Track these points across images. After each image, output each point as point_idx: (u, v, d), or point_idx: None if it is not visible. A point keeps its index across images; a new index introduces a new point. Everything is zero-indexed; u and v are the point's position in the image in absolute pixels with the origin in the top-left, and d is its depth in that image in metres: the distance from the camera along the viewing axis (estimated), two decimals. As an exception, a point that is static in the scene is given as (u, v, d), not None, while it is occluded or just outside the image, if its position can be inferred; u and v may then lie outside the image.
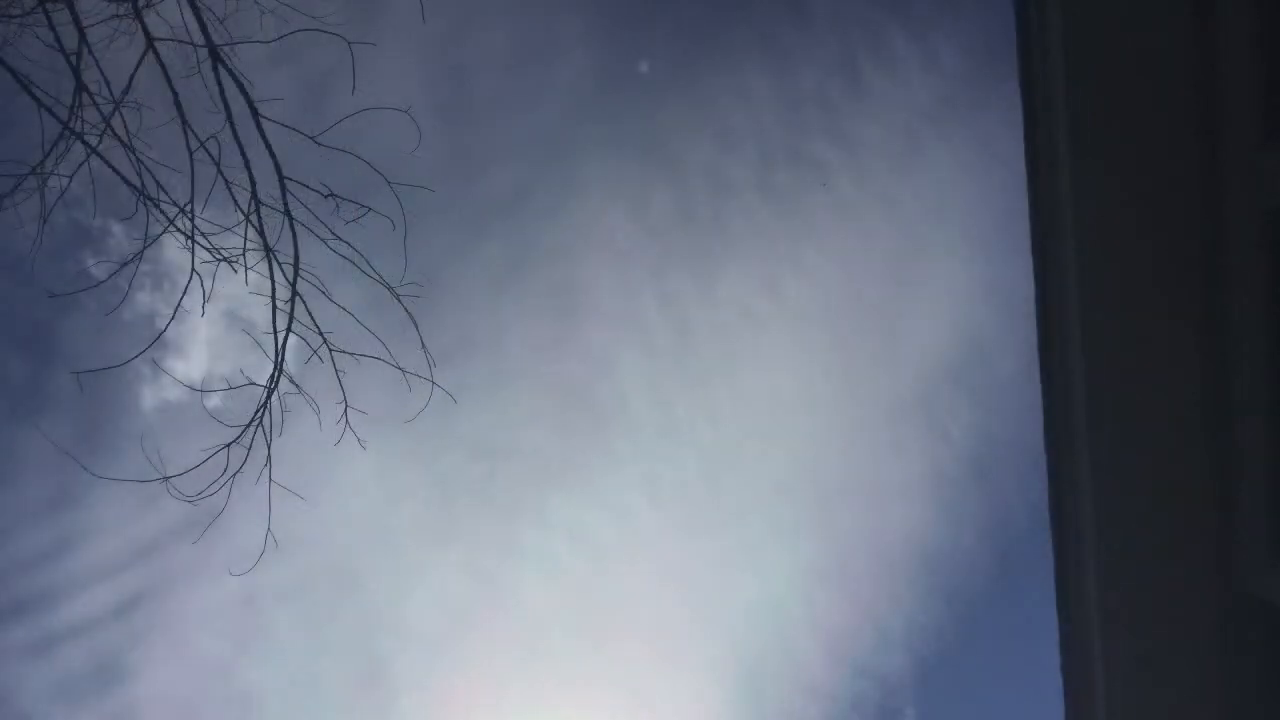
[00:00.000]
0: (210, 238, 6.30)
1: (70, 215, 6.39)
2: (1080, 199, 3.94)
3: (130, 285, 6.19)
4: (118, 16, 5.92)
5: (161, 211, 5.94)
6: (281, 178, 6.35)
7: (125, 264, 6.16)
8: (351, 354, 6.39)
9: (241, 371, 6.53)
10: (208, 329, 7.46)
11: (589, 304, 11.92)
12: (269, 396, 6.45)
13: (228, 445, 6.37)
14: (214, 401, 6.44)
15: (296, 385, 6.29)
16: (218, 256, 6.18)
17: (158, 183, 6.04)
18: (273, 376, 6.40)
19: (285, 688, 11.98)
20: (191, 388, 6.56)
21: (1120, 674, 4.31)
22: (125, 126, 5.99)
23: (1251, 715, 4.17)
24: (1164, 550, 4.21)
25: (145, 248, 6.15)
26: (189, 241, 6.21)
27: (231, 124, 6.05)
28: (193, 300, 6.31)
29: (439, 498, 11.65)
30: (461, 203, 10.06)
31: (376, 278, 6.39)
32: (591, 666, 12.75)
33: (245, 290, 6.35)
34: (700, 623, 12.83)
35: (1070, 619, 4.40)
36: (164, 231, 6.01)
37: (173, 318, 6.24)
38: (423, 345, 6.36)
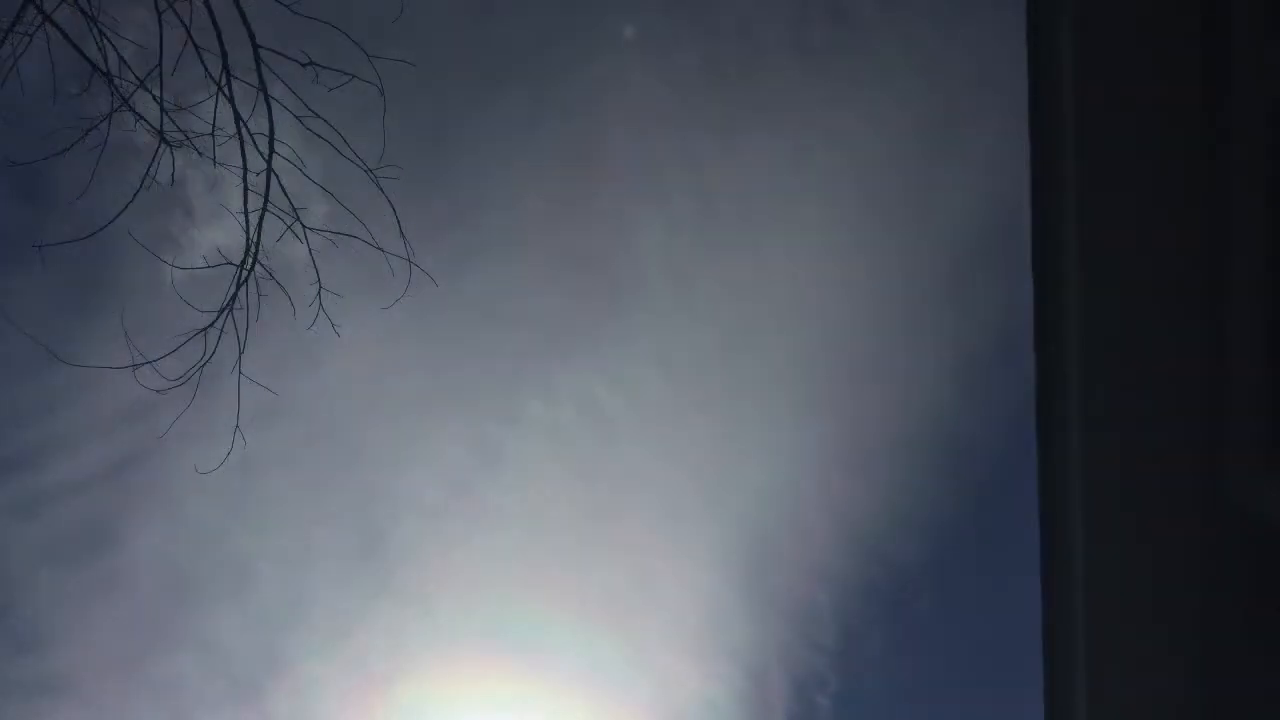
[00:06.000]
0: (181, 111, 6.05)
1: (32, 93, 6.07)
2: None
3: (97, 163, 5.95)
4: None
5: (117, 89, 5.65)
6: (255, 46, 6.04)
7: (89, 130, 5.91)
8: (325, 232, 6.21)
9: (219, 250, 6.36)
10: (182, 211, 7.25)
11: (607, 166, 11.44)
12: (245, 277, 6.29)
13: (204, 330, 6.25)
14: (188, 288, 6.29)
15: (267, 270, 6.09)
16: (186, 135, 5.93)
17: (121, 57, 5.72)
18: (246, 257, 6.22)
19: (279, 556, 12.05)
20: (167, 263, 6.43)
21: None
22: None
23: (1237, 707, 4.12)
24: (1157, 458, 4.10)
25: (110, 115, 5.88)
26: (159, 115, 5.95)
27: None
28: (163, 177, 6.08)
29: (443, 366, 11.47)
30: (476, 53, 9.59)
31: (355, 160, 6.13)
32: (594, 542, 12.72)
33: (218, 170, 6.11)
34: (710, 502, 12.71)
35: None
36: (123, 105, 5.71)
37: (138, 190, 6.03)
38: (400, 231, 6.13)
